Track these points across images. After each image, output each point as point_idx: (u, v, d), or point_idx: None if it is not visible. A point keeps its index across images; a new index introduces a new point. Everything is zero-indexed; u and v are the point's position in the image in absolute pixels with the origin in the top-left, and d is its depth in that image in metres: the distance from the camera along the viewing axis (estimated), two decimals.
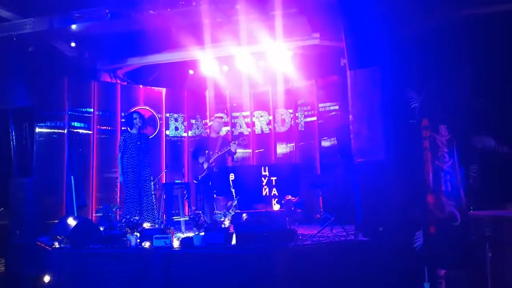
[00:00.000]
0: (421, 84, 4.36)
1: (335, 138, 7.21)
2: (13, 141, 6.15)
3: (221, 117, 6.29)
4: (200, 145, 6.22)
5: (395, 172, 4.44)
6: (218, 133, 6.18)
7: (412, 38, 4.47)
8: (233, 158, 6.67)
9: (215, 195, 6.22)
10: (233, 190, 6.40)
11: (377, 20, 4.57)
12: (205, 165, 5.88)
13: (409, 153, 4.37)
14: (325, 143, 7.70)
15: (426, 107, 4.25)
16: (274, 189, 6.94)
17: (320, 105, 7.86)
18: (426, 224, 4.17)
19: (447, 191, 4.13)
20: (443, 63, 4.37)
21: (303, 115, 8.10)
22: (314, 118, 7.91)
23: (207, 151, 5.92)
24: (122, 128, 7.65)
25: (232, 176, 6.92)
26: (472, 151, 4.38)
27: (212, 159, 5.85)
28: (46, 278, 4.79)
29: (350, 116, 5.20)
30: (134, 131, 5.94)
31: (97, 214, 5.51)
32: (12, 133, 6.13)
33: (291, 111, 8.26)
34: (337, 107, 7.64)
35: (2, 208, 7.16)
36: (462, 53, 4.35)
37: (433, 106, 4.24)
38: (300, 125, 8.13)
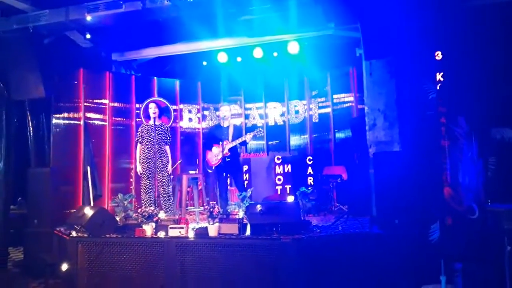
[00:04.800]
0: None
1: (350, 130, 7.15)
2: (30, 132, 6.23)
3: (227, 105, 6.29)
4: (213, 134, 6.21)
5: (412, 164, 4.39)
6: (226, 122, 6.14)
7: (429, 27, 4.39)
8: (246, 149, 6.66)
9: (229, 186, 6.23)
10: (245, 182, 6.42)
11: (394, 9, 4.49)
12: (219, 155, 5.89)
13: (426, 145, 4.31)
14: (340, 135, 7.65)
15: (443, 98, 4.19)
16: (288, 180, 6.95)
17: (335, 96, 7.80)
18: (443, 217, 4.12)
19: (465, 184, 4.08)
20: (461, 54, 4.28)
21: (317, 107, 8.05)
22: (329, 110, 7.85)
23: (221, 142, 5.92)
24: (137, 119, 7.71)
25: (245, 167, 6.95)
26: (491, 143, 4.29)
27: (226, 149, 5.85)
28: (64, 266, 4.88)
29: (366, 108, 5.15)
30: (151, 121, 6.00)
31: (113, 204, 5.56)
32: (29, 124, 6.21)
33: (305, 102, 8.22)
34: (352, 98, 7.57)
35: (20, 198, 7.31)
36: (480, 43, 4.26)
37: (451, 97, 4.17)
38: (314, 117, 8.08)
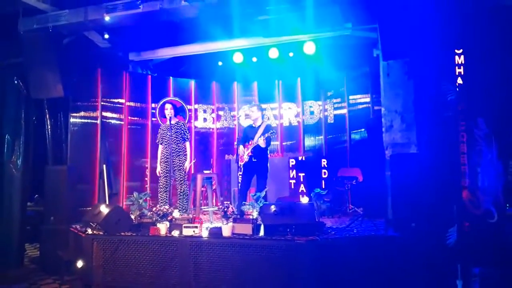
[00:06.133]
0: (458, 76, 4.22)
1: (366, 131, 7.08)
2: (48, 130, 6.33)
3: (255, 106, 6.21)
4: (244, 134, 6.18)
5: (429, 166, 4.31)
6: (255, 122, 6.10)
7: (450, 27, 4.31)
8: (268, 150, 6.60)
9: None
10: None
11: (413, 8, 4.42)
12: (244, 155, 5.86)
13: (444, 147, 4.23)
14: (355, 136, 7.58)
15: (463, 100, 4.10)
16: (302, 181, 6.91)
17: (351, 97, 7.73)
18: (461, 221, 4.03)
19: (484, 187, 3.98)
20: (482, 54, 4.20)
21: (332, 107, 8.00)
22: (344, 111, 7.79)
23: (235, 142, 5.90)
24: (153, 119, 7.78)
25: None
26: (511, 146, 4.19)
27: (249, 149, 5.83)
28: (79, 263, 4.93)
29: (382, 109, 5.09)
30: (167, 122, 6.07)
31: (128, 203, 5.61)
32: (47, 122, 6.31)
33: (320, 103, 8.17)
34: (368, 100, 7.49)
35: (37, 195, 7.44)
36: (502, 43, 4.17)
37: (471, 98, 4.09)
38: (329, 118, 8.03)
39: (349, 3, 5.46)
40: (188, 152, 6.19)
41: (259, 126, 5.95)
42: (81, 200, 6.37)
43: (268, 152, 6.10)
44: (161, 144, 6.16)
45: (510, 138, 4.14)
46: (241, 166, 5.94)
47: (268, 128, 5.85)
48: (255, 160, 5.77)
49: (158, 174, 6.13)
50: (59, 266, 5.42)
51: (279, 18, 6.06)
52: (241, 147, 5.94)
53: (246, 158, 5.83)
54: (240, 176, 6.01)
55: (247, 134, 5.99)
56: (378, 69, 5.33)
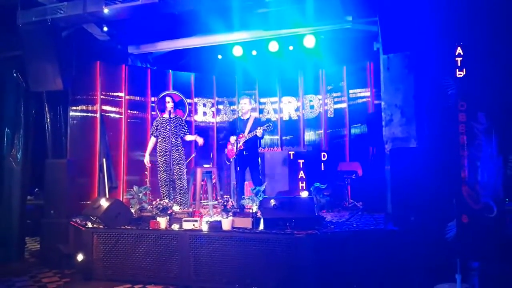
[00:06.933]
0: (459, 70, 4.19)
1: (366, 125, 7.07)
2: (47, 124, 6.32)
3: (247, 98, 6.21)
4: (233, 127, 6.19)
5: (429, 160, 4.31)
6: (244, 115, 6.09)
7: (451, 20, 4.28)
8: (260, 143, 6.63)
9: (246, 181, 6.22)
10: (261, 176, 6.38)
11: (414, 2, 4.39)
12: (234, 148, 5.88)
13: (444, 141, 4.21)
14: (355, 130, 7.58)
15: (463, 94, 4.08)
16: (302, 175, 6.91)
17: (351, 91, 7.72)
18: (460, 215, 4.03)
19: (483, 182, 3.98)
20: (484, 47, 4.17)
21: (332, 101, 7.98)
22: (344, 105, 7.78)
23: (241, 134, 5.90)
24: (152, 113, 7.76)
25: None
26: (511, 140, 4.18)
27: (241, 142, 5.83)
28: (79, 256, 4.95)
29: (382, 103, 5.07)
30: (166, 115, 6.05)
31: (128, 196, 5.62)
32: (46, 115, 6.30)
33: (320, 97, 8.16)
34: (368, 94, 7.48)
35: (37, 189, 7.45)
36: (505, 35, 4.14)
37: (471, 92, 4.07)
38: (329, 112, 8.02)
39: None
40: (192, 137, 6.27)
41: (248, 119, 5.97)
42: (81, 194, 6.38)
43: (259, 145, 6.11)
44: (155, 137, 6.12)
45: (510, 133, 4.13)
46: (231, 160, 5.97)
47: (258, 120, 5.86)
48: (246, 153, 5.79)
49: (146, 165, 6.19)
50: (59, 260, 5.44)
51: (279, 10, 6.02)
52: (233, 137, 5.95)
53: (234, 153, 5.84)
54: (233, 170, 6.05)
55: (236, 128, 6.01)
56: (378, 63, 5.31)
